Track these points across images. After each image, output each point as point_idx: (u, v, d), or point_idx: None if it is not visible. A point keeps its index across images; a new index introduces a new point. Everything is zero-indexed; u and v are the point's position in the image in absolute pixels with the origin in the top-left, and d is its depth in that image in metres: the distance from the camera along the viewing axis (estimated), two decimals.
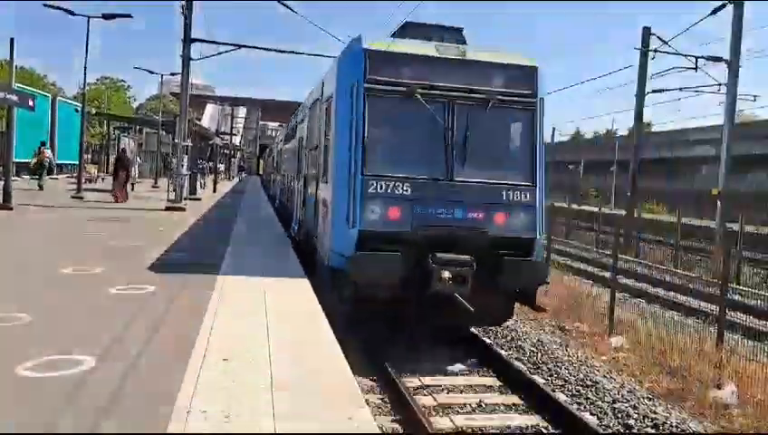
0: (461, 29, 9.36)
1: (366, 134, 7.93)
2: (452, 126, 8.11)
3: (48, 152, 25.06)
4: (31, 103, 17.46)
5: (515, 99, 8.42)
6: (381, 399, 6.74)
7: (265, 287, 7.37)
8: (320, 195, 9.38)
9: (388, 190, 7.83)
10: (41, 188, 23.28)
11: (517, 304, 8.88)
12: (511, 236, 8.07)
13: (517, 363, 8.31)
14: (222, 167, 51.05)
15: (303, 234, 11.71)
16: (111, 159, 34.35)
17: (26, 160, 25.72)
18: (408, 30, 9.17)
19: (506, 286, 7.99)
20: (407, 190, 7.86)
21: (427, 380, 7.54)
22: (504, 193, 8.15)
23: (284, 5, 19.66)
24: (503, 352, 8.65)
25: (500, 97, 8.26)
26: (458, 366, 8.15)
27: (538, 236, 8.24)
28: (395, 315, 8.09)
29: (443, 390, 7.12)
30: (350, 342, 6.46)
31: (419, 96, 7.99)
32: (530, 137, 8.47)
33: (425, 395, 6.90)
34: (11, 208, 15.17)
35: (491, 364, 8.15)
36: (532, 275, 8.12)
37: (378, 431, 3.72)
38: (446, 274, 7.47)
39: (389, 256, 7.54)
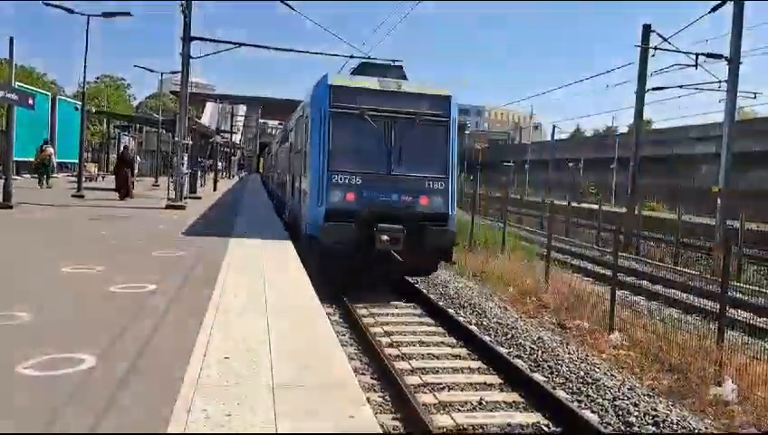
0: (401, 66, 12.98)
1: (331, 143, 11.13)
2: (390, 137, 11.32)
3: (50, 150, 25.01)
4: (31, 102, 17.39)
5: (434, 119, 11.62)
6: (382, 397, 6.74)
7: (266, 282, 7.44)
8: (302, 186, 12.63)
9: (346, 181, 11.07)
10: (48, 186, 23.33)
11: (520, 304, 9.90)
12: (431, 212, 11.32)
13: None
14: (222, 165, 51.01)
15: (291, 217, 15.19)
16: (112, 158, 34.31)
17: (26, 159, 25.70)
18: (363, 68, 12.82)
19: (430, 245, 11.18)
20: (359, 181, 11.12)
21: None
22: (427, 183, 11.42)
23: (287, 5, 19.64)
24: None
25: (424, 117, 11.49)
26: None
27: (450, 212, 11.50)
28: (351, 269, 11.12)
29: (444, 388, 7.12)
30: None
31: (367, 117, 11.15)
32: (445, 145, 11.64)
33: (425, 393, 6.90)
34: (11, 207, 15.17)
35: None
36: (446, 238, 11.43)
37: (379, 431, 3.70)
38: (385, 237, 10.73)
39: (346, 226, 10.77)
